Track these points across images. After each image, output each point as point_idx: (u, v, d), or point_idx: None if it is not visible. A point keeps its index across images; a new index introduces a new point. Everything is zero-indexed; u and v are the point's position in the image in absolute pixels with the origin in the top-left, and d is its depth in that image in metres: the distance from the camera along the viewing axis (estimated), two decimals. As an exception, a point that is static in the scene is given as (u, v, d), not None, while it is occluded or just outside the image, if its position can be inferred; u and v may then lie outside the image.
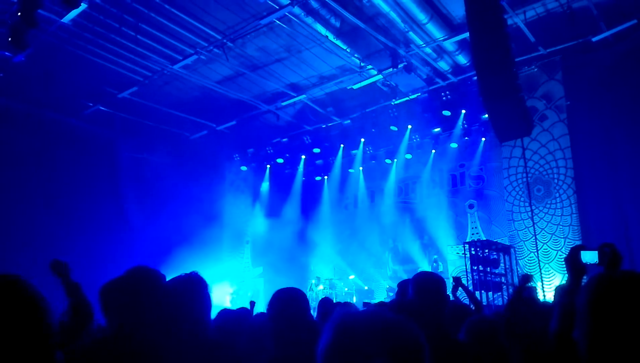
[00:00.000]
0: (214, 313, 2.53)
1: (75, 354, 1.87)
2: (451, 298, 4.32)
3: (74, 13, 9.31)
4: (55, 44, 10.18)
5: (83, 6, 8.70)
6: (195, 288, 2.11)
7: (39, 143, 12.29)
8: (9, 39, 8.20)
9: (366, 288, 14.41)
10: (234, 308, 3.94)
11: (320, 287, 13.50)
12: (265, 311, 2.52)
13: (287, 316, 2.25)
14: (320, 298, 5.11)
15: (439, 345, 2.32)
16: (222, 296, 14.76)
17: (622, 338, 1.30)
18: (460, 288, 4.66)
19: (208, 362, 1.95)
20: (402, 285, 4.08)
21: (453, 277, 4.80)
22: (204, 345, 1.98)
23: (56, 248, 10.82)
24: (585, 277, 1.94)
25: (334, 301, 12.03)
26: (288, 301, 2.31)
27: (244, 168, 17.05)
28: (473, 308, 4.32)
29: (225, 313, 3.37)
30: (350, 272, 14.73)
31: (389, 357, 0.89)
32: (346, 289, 13.99)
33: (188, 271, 2.22)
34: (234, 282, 15.82)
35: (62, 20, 9.56)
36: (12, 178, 11.80)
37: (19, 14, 7.74)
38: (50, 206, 12.13)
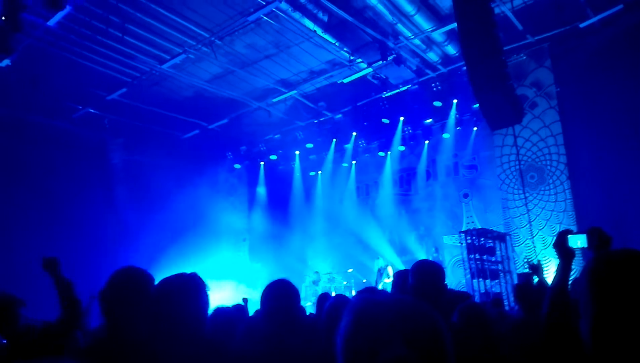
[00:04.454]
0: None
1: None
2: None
3: (59, 16, 9.21)
4: (42, 48, 10.07)
5: (68, 9, 8.62)
6: (193, 289, 2.09)
7: (29, 148, 12.18)
8: (-6, 44, 8.12)
9: (364, 281, 14.44)
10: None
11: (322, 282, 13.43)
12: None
13: (276, 308, 2.30)
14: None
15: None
16: (224, 294, 14.62)
17: (629, 319, 1.22)
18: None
19: (203, 360, 1.95)
20: (400, 275, 4.09)
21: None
22: (199, 345, 1.98)
23: (51, 250, 10.74)
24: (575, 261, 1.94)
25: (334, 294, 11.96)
26: (276, 293, 2.36)
27: (237, 166, 17.01)
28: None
29: (220, 310, 3.40)
30: (348, 265, 14.75)
31: (406, 344, 0.86)
32: (345, 282, 14.00)
33: (188, 272, 2.19)
34: (238, 281, 15.67)
35: (47, 24, 9.46)
36: (3, 183, 11.70)
37: (3, 18, 7.66)
38: (43, 209, 12.04)
